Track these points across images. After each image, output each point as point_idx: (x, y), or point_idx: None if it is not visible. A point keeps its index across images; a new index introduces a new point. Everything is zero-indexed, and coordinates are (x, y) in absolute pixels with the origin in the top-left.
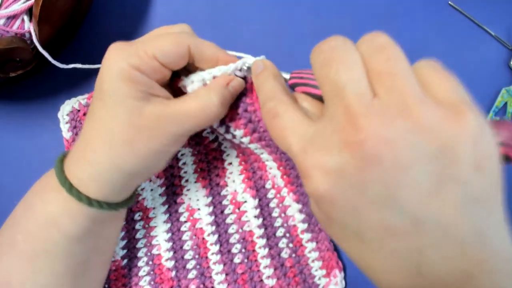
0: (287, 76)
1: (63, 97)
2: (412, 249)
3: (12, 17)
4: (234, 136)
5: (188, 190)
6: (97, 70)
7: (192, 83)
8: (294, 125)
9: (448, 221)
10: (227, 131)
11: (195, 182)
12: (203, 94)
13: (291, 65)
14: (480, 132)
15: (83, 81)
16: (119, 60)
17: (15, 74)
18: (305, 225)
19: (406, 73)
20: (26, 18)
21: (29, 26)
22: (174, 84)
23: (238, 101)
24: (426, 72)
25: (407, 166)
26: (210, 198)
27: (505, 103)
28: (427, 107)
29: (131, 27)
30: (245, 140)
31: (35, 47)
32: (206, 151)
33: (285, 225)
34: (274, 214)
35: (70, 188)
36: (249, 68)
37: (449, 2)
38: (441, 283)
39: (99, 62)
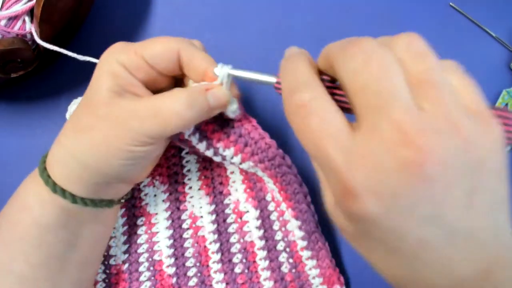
0: (273, 79)
1: (64, 98)
2: (444, 259)
3: (13, 18)
4: (224, 158)
5: (191, 197)
6: None
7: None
8: (334, 130)
9: (477, 228)
10: (216, 153)
11: (199, 189)
12: (171, 94)
13: None
14: (501, 140)
15: (84, 82)
16: (110, 56)
17: (16, 75)
18: (305, 243)
19: (447, 83)
20: (27, 19)
21: (31, 27)
22: None
23: (224, 123)
24: (454, 79)
25: (454, 183)
26: (213, 206)
27: (506, 105)
28: (468, 121)
29: (131, 28)
30: (236, 160)
31: (36, 48)
32: (210, 158)
33: (285, 239)
34: (275, 227)
35: (43, 170)
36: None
37: (450, 3)
38: (464, 283)
39: None
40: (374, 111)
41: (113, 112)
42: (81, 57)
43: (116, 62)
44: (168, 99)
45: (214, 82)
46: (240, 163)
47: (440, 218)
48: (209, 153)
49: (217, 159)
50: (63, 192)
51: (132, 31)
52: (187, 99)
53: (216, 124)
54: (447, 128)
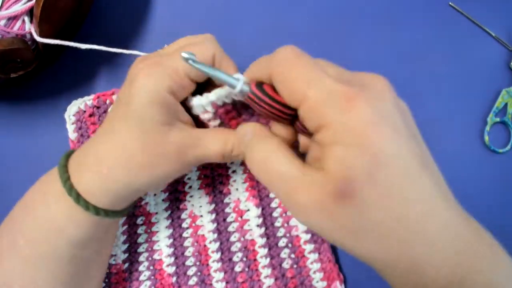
0: (247, 87)
1: (64, 98)
2: (444, 208)
3: (13, 18)
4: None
5: (191, 196)
6: (98, 71)
7: (192, 107)
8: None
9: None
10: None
11: (199, 188)
12: (227, 134)
13: None
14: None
15: (84, 82)
16: (151, 83)
17: (16, 75)
18: (308, 236)
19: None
20: (27, 19)
21: (30, 27)
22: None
23: (243, 111)
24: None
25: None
26: (213, 205)
27: (505, 104)
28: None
29: (131, 27)
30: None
31: (36, 48)
32: None
33: (288, 235)
34: (277, 224)
35: (77, 197)
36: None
37: (450, 3)
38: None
39: (100, 62)
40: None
41: (172, 149)
42: (83, 46)
43: (161, 90)
44: (220, 146)
45: (223, 92)
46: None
47: (425, 152)
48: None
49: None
50: (106, 213)
51: (132, 31)
52: (234, 145)
53: (235, 112)
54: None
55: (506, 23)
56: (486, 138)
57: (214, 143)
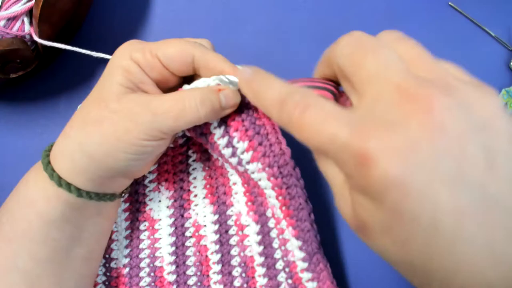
0: None
1: (64, 98)
2: (487, 231)
3: (12, 19)
4: (234, 152)
5: (196, 205)
6: (98, 71)
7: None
8: (333, 112)
9: (506, 197)
10: (229, 143)
11: (204, 198)
12: (187, 92)
13: (291, 66)
14: (503, 107)
15: (84, 82)
16: (124, 52)
17: (16, 75)
18: (305, 264)
19: (432, 57)
20: (26, 19)
21: (29, 28)
22: None
23: (243, 114)
24: (442, 61)
25: (466, 137)
26: (216, 216)
27: (505, 104)
28: (466, 86)
29: (131, 27)
30: (246, 156)
31: (35, 48)
32: (215, 167)
33: (285, 259)
34: (275, 245)
35: (52, 173)
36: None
37: (449, 3)
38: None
39: (100, 62)
40: (374, 82)
41: (125, 105)
42: (82, 51)
43: (131, 59)
44: (183, 94)
45: (215, 79)
46: (248, 162)
47: (464, 176)
48: (222, 141)
49: (227, 151)
50: (68, 186)
51: (131, 31)
52: (200, 96)
53: (238, 114)
54: (444, 88)
55: (506, 23)
56: None
57: (174, 101)
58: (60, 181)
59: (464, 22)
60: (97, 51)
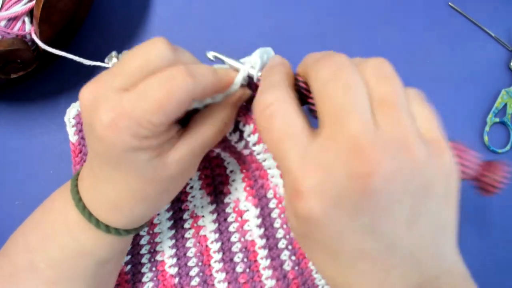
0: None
1: (64, 98)
2: (381, 270)
3: (13, 19)
4: (241, 136)
5: (193, 196)
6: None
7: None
8: (294, 132)
9: (417, 247)
10: (236, 128)
11: (200, 188)
12: (216, 118)
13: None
14: (452, 170)
15: (84, 82)
16: (123, 135)
17: (16, 76)
18: None
19: (405, 107)
20: (27, 19)
21: (30, 28)
22: None
23: (250, 100)
24: (413, 103)
25: (397, 200)
26: (214, 205)
27: (505, 104)
28: (421, 146)
29: (131, 28)
30: (252, 138)
31: (36, 48)
32: (209, 158)
33: (287, 236)
34: (276, 225)
35: (97, 223)
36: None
37: (449, 3)
38: None
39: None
40: (335, 121)
41: (174, 171)
42: (83, 61)
43: (139, 139)
44: (216, 128)
45: (234, 88)
46: (255, 144)
47: (379, 232)
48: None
49: (235, 137)
50: (128, 232)
51: (131, 31)
52: (230, 119)
53: (242, 106)
54: (400, 148)
55: (506, 23)
56: (486, 138)
57: (208, 138)
58: (118, 231)
59: (464, 22)
60: (97, 51)
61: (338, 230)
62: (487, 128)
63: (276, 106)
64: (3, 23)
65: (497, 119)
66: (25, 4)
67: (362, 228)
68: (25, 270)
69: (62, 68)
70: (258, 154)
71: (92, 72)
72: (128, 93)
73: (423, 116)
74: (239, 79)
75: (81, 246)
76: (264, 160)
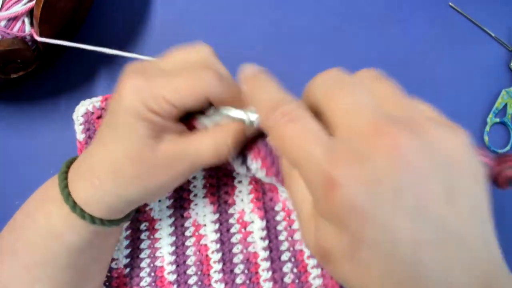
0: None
1: (64, 98)
2: (439, 261)
3: (13, 19)
4: (249, 169)
5: (196, 204)
6: (98, 71)
7: (206, 126)
8: (316, 130)
9: (464, 230)
10: (243, 162)
11: (204, 197)
12: (219, 137)
13: (291, 67)
14: (470, 145)
15: (84, 82)
16: (136, 100)
17: (16, 76)
18: None
19: (406, 96)
20: (26, 20)
21: (30, 28)
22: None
23: (256, 138)
24: (415, 100)
25: (430, 175)
26: (217, 215)
27: (505, 105)
28: (435, 125)
29: (131, 28)
30: (261, 174)
31: (36, 48)
32: (216, 166)
33: (291, 249)
34: (281, 238)
35: (74, 205)
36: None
37: (450, 3)
38: None
39: (100, 62)
40: (348, 116)
41: (161, 160)
42: (83, 46)
43: (146, 109)
44: (216, 143)
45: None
46: (265, 176)
47: (423, 209)
48: (237, 162)
49: (241, 170)
50: (102, 222)
51: (131, 31)
52: (233, 141)
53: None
54: (414, 125)
55: (506, 24)
56: (486, 138)
57: (204, 150)
58: (83, 214)
59: (465, 22)
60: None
61: (389, 217)
62: (487, 128)
63: (294, 113)
64: (3, 23)
65: (497, 119)
66: (25, 4)
67: (410, 209)
68: (7, 254)
69: (62, 68)
70: (270, 181)
71: (92, 72)
72: (162, 73)
73: (428, 108)
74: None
75: (51, 226)
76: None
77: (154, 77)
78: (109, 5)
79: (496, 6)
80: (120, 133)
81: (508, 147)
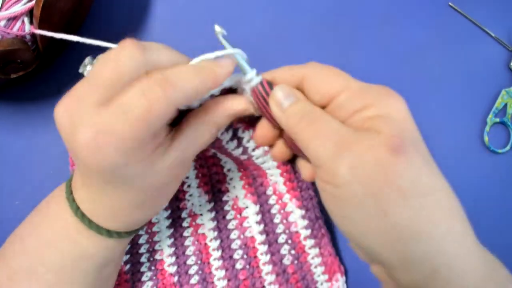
0: (258, 78)
1: None
2: (448, 209)
3: (12, 19)
4: (239, 142)
5: (190, 195)
6: None
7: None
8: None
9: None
10: (234, 135)
11: (197, 187)
12: (204, 130)
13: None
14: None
15: None
16: (111, 156)
17: (16, 76)
18: (308, 231)
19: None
20: (26, 20)
21: (30, 28)
22: None
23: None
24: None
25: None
26: (212, 203)
27: (505, 104)
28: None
29: (131, 28)
30: (251, 144)
31: (36, 48)
32: (204, 157)
33: (287, 231)
34: (276, 221)
35: (98, 228)
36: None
37: (449, 3)
38: None
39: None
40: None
41: (167, 178)
42: (87, 41)
43: (123, 165)
44: (204, 138)
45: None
46: (254, 149)
47: (431, 162)
48: (226, 136)
49: (232, 145)
50: (118, 234)
51: (131, 31)
52: (218, 128)
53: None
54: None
55: (506, 24)
56: (486, 138)
57: (199, 147)
58: (120, 234)
59: (464, 22)
60: (97, 51)
61: (418, 164)
62: (487, 128)
63: (312, 114)
64: (3, 23)
65: (497, 119)
66: (25, 4)
67: (424, 159)
68: (24, 274)
69: (62, 68)
70: (257, 158)
71: None
72: (106, 108)
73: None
74: (227, 82)
75: (83, 251)
76: (263, 162)
77: (104, 118)
78: (109, 5)
79: (496, 6)
80: (118, 184)
81: (508, 147)
